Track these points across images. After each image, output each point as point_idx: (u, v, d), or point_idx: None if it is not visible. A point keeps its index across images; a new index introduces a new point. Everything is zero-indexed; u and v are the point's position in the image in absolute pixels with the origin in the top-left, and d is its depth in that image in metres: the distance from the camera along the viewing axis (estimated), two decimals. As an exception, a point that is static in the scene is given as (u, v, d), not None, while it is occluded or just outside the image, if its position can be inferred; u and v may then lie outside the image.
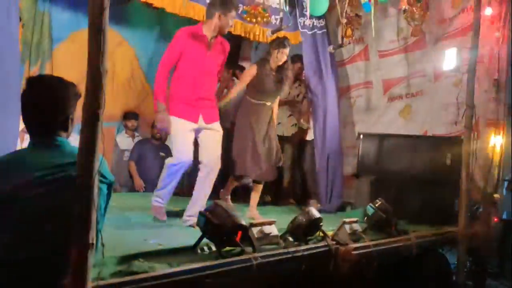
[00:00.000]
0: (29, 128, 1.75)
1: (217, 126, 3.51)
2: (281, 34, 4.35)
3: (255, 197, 4.07)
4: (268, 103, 4.05)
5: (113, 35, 4.55)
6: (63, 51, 4.15)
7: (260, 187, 4.11)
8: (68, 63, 4.02)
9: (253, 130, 3.97)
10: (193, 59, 3.35)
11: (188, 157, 3.38)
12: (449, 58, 4.27)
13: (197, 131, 3.45)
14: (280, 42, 3.99)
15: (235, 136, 4.08)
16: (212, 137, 3.47)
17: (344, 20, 4.65)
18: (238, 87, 4.16)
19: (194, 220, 3.17)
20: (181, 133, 3.36)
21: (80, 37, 3.93)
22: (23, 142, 2.93)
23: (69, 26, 4.21)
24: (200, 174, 3.45)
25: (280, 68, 4.03)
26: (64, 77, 1.80)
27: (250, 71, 4.05)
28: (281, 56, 3.97)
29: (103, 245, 1.71)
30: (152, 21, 4.93)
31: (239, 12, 4.10)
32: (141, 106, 5.45)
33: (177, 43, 3.33)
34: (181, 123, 3.35)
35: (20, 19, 3.08)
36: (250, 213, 3.97)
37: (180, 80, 3.38)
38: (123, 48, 4.90)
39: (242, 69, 5.34)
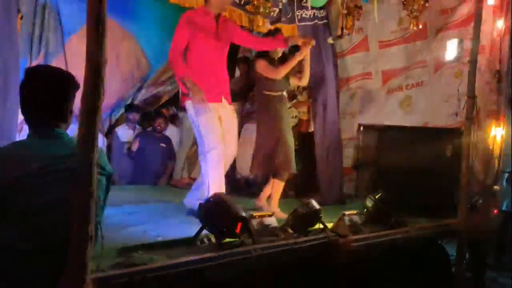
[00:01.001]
0: (28, 119, 1.75)
1: (233, 108, 3.51)
2: (278, 26, 4.33)
3: (277, 193, 3.86)
4: (284, 93, 3.97)
5: (117, 29, 4.54)
6: (76, 43, 4.14)
7: (283, 182, 3.89)
8: (81, 55, 4.01)
9: (282, 121, 3.85)
10: (205, 38, 3.29)
11: (220, 142, 3.22)
12: (450, 49, 4.24)
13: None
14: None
15: (261, 134, 3.90)
16: (233, 119, 3.46)
17: (345, 11, 4.61)
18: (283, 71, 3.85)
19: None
20: (211, 118, 3.22)
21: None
22: (21, 133, 2.92)
23: (80, 19, 4.20)
24: (216, 156, 3.22)
25: (281, 57, 3.98)
26: (77, 69, 1.77)
27: (262, 63, 3.87)
28: None
29: (102, 237, 1.71)
30: (157, 13, 4.90)
31: (242, 2, 4.08)
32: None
33: (185, 25, 3.26)
34: (208, 106, 3.22)
35: (19, 11, 3.06)
36: (271, 209, 3.69)
37: (198, 62, 3.29)
38: (127, 42, 4.87)
39: (246, 60, 5.29)
